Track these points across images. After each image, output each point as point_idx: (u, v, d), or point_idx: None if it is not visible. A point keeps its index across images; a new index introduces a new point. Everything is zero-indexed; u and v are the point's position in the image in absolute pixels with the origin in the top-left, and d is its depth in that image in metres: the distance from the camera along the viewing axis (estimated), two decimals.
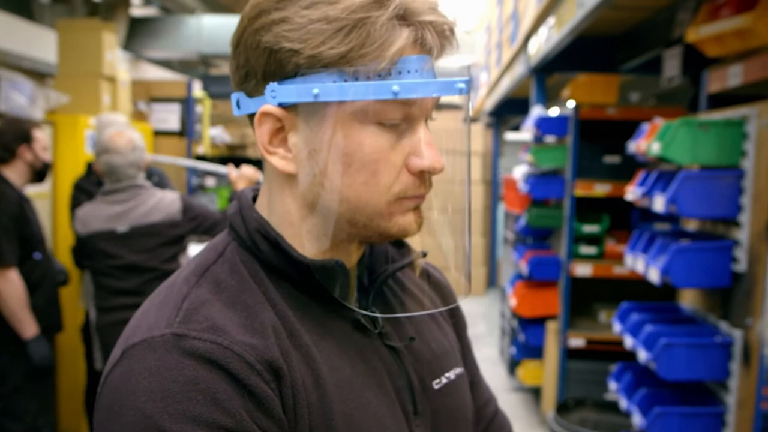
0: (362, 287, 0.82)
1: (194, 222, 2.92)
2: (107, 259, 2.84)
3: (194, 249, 3.44)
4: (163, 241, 2.87)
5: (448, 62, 0.76)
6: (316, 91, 0.69)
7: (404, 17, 0.70)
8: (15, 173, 3.03)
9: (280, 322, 0.72)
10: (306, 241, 0.76)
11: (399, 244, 0.88)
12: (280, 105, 0.72)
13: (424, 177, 0.75)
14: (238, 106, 0.76)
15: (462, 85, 0.73)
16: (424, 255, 0.89)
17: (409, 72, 0.70)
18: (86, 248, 2.90)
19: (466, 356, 0.97)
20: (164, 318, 0.69)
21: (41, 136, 3.12)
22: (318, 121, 0.71)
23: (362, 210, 0.73)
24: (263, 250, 0.76)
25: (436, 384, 0.84)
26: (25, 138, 3.05)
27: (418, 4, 0.71)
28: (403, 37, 0.69)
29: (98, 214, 2.84)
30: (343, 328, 0.77)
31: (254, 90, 0.74)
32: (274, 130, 0.74)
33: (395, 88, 0.69)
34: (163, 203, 2.88)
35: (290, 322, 0.73)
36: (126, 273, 2.84)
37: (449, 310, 0.97)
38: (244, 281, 0.74)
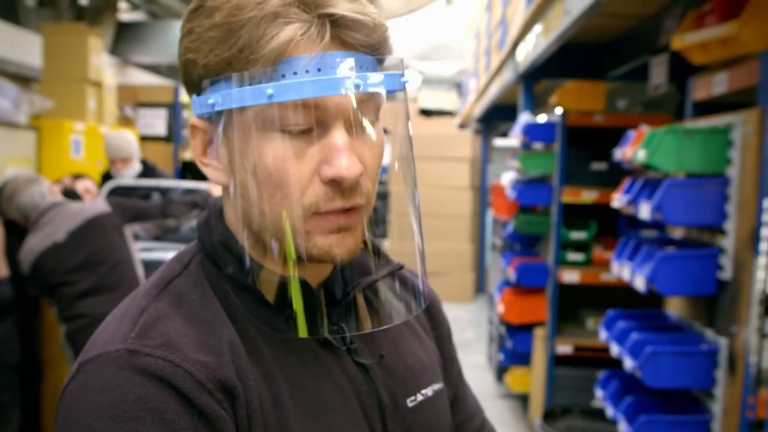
0: (334, 301, 0.78)
1: (123, 209, 3.05)
2: (57, 271, 2.86)
3: (168, 255, 3.47)
4: (102, 231, 2.94)
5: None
6: (211, 101, 0.68)
7: (304, 11, 0.66)
8: (55, 190, 3.50)
9: (241, 338, 0.70)
10: (254, 255, 0.74)
11: (376, 253, 0.84)
12: (200, 116, 0.72)
13: (339, 187, 0.68)
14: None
15: (358, 81, 0.66)
16: (401, 267, 0.84)
17: (308, 72, 0.65)
18: (39, 277, 2.91)
19: (449, 369, 0.93)
20: (120, 333, 0.67)
21: (92, 186, 3.72)
22: (229, 131, 0.70)
23: (279, 226, 0.69)
24: (227, 264, 0.74)
25: (411, 402, 0.81)
26: (74, 175, 3.75)
27: None
28: (284, 35, 0.65)
29: (34, 241, 2.91)
30: (309, 344, 0.75)
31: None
32: (206, 142, 0.73)
33: (269, 91, 0.65)
34: (88, 204, 3.02)
35: (251, 338, 0.71)
36: (79, 274, 2.86)
37: (432, 321, 0.93)
38: (205, 295, 0.72)
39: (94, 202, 3.03)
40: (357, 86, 0.66)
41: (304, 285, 0.72)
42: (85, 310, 2.83)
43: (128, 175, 3.92)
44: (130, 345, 0.65)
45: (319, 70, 0.65)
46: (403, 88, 0.73)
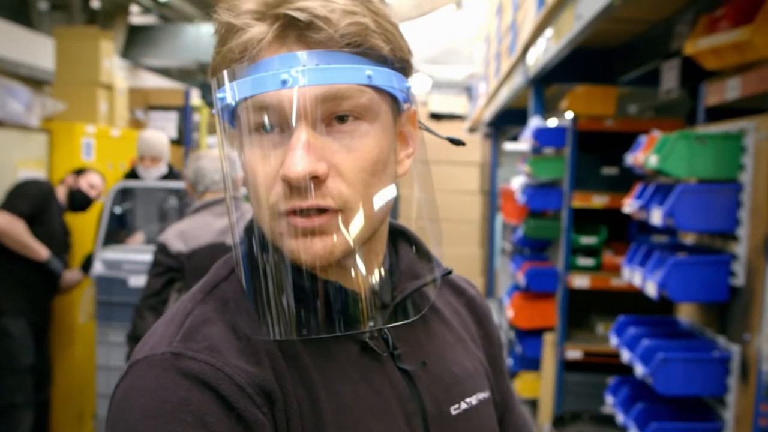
0: (381, 306, 0.77)
1: None
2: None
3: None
4: None
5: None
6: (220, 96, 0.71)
7: (264, 17, 0.67)
8: (61, 192, 3.85)
9: (280, 344, 0.70)
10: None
11: (428, 259, 0.83)
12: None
13: (295, 187, 0.66)
14: None
15: (285, 76, 0.65)
16: (449, 273, 0.83)
17: (250, 74, 0.68)
18: (183, 266, 2.63)
19: (499, 380, 0.92)
20: (167, 335, 0.69)
21: (96, 179, 3.92)
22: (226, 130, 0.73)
23: (263, 226, 0.71)
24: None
25: (454, 410, 0.79)
26: (76, 171, 3.93)
27: None
28: (242, 41, 0.67)
29: (205, 228, 2.64)
30: (350, 349, 0.74)
31: None
32: None
33: (220, 95, 0.69)
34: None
35: (292, 343, 0.71)
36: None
37: (482, 330, 0.92)
38: (246, 300, 0.72)
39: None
40: (284, 82, 0.65)
41: (335, 289, 0.72)
42: None
43: (154, 176, 3.96)
44: (175, 348, 0.67)
45: (266, 68, 0.67)
46: (369, 83, 0.68)
